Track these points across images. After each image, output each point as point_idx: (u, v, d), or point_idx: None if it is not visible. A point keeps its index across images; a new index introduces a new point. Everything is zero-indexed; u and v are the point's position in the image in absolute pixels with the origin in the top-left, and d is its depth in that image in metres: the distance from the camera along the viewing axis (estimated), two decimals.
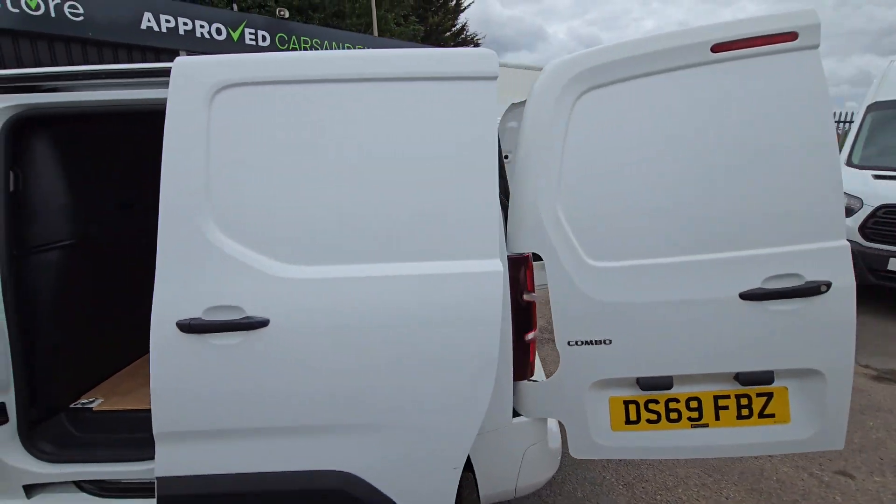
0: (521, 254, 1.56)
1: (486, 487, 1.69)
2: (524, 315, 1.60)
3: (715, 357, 1.51)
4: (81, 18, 7.68)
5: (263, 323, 1.33)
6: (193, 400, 1.36)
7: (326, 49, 10.41)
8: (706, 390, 1.57)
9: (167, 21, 8.37)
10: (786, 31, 1.44)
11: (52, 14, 7.46)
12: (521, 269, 1.56)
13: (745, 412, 1.56)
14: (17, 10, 7.23)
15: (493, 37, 66.02)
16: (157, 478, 1.40)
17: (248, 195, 1.37)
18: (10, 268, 1.66)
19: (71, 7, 7.58)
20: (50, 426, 1.86)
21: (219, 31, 8.91)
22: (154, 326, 1.33)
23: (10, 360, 1.69)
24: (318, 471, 1.40)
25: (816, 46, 1.45)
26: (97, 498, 1.80)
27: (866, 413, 3.03)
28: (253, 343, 1.34)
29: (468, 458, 1.64)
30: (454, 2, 26.17)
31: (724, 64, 1.47)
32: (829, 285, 1.44)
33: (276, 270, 1.35)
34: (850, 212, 4.81)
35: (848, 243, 1.44)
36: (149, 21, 8.21)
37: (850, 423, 2.58)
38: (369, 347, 1.35)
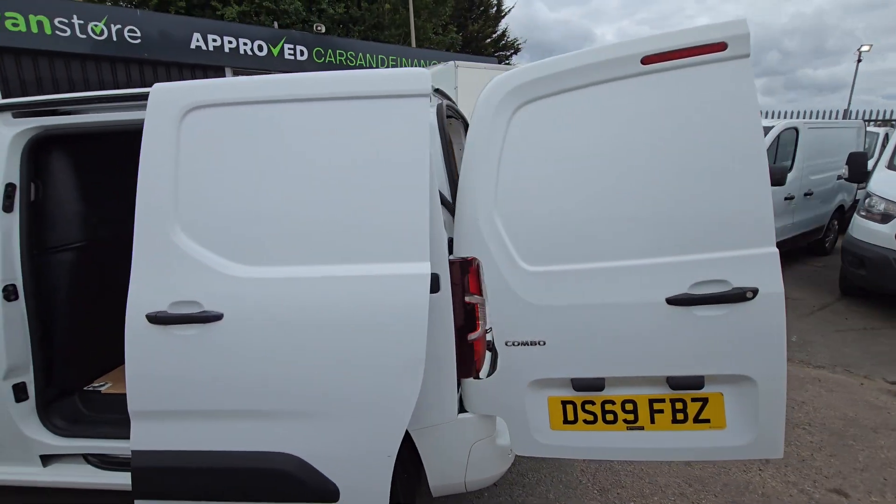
0: (465, 258, 1.65)
1: (434, 479, 1.78)
2: (468, 316, 1.68)
3: (645, 360, 1.54)
4: (139, 41, 8.44)
5: (218, 317, 1.51)
6: (160, 383, 1.56)
7: (364, 61, 10.83)
8: (641, 393, 1.59)
9: (214, 40, 9.02)
10: (715, 41, 1.46)
11: (114, 38, 8.26)
12: (464, 272, 1.65)
13: (679, 416, 1.57)
14: (84, 36, 8.06)
15: (538, 41, 65.52)
16: (133, 451, 1.60)
17: (209, 203, 1.55)
18: (31, 266, 1.94)
19: (130, 31, 8.35)
20: (64, 405, 2.13)
21: (260, 48, 9.50)
22: (128, 318, 1.54)
23: (30, 345, 1.97)
24: (269, 452, 1.56)
25: (747, 56, 1.46)
26: (100, 470, 2.04)
27: (880, 431, 2.86)
28: (209, 334, 1.51)
29: (417, 451, 1.75)
30: (494, 8, 26.29)
31: (655, 75, 1.51)
32: (755, 292, 1.44)
33: (230, 270, 1.52)
34: (888, 218, 4.51)
35: (777, 250, 1.44)
36: (197, 41, 8.89)
37: (860, 441, 2.47)
38: (308, 341, 1.50)
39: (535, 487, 2.43)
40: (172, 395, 1.56)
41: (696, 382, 1.52)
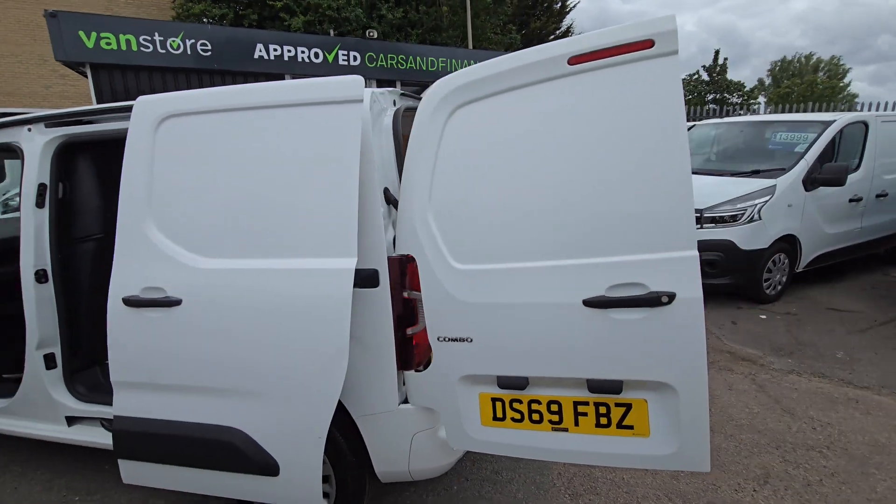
0: (404, 255, 1.73)
1: (379, 465, 1.88)
2: (409, 311, 1.76)
3: (564, 362, 1.52)
4: (209, 53, 9.27)
5: (177, 302, 1.70)
6: (134, 358, 1.79)
7: (414, 63, 11.10)
8: (566, 395, 1.58)
9: (274, 50, 9.69)
10: (642, 38, 1.43)
11: (188, 52, 9.13)
12: (403, 269, 1.73)
13: (603, 420, 1.54)
14: (164, 51, 8.99)
15: None
16: (114, 416, 1.85)
17: (176, 200, 1.75)
18: (58, 254, 2.27)
19: (202, 45, 9.19)
20: (86, 375, 2.47)
21: (316, 55, 10.06)
22: (109, 300, 1.78)
23: (57, 322, 2.31)
24: (218, 425, 1.73)
25: (675, 53, 1.41)
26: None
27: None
28: (170, 317, 1.72)
29: (362, 437, 1.86)
30: (559, 4, 25.69)
31: (581, 76, 1.49)
32: (672, 297, 1.38)
33: (190, 261, 1.72)
34: None
35: (697, 254, 1.37)
36: (260, 51, 9.59)
37: (883, 470, 2.25)
38: (249, 327, 1.65)
39: (506, 485, 2.44)
40: (142, 370, 1.78)
41: (615, 387, 1.48)
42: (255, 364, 1.66)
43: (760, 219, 4.58)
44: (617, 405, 1.53)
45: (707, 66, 29.34)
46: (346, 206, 1.58)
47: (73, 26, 8.19)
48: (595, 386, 1.50)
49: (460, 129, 1.63)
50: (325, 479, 1.94)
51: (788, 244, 4.86)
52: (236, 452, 1.71)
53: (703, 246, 4.58)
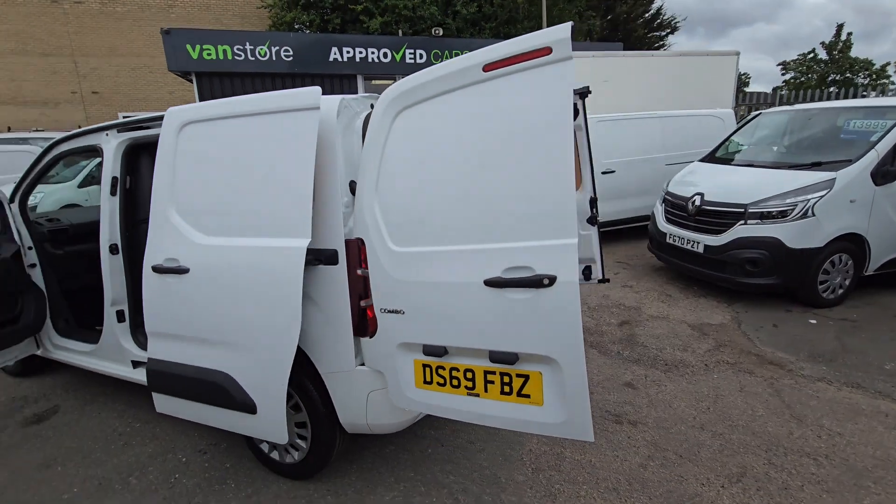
0: (357, 238, 2.02)
1: (343, 417, 2.20)
2: (362, 285, 2.05)
3: (471, 334, 1.72)
4: (291, 58, 10.25)
5: (186, 270, 2.16)
6: (159, 314, 2.29)
7: None
8: (478, 364, 1.78)
9: (347, 52, 10.44)
10: (541, 46, 1.57)
11: (274, 58, 10.17)
12: (355, 250, 2.02)
13: (506, 389, 1.72)
14: (253, 59, 10.12)
15: (718, 13, 57.46)
16: (148, 358, 2.37)
17: (188, 188, 2.21)
18: (125, 232, 2.89)
19: (285, 51, 10.19)
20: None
21: (385, 55, 10.66)
22: (144, 268, 2.29)
23: (125, 284, 2.93)
24: (214, 370, 2.17)
25: (569, 59, 1.54)
26: None
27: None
28: (181, 282, 2.18)
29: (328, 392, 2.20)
30: None
31: (492, 82, 1.67)
32: (552, 279, 1.52)
33: (196, 238, 2.16)
34: None
35: (575, 242, 1.49)
36: (335, 54, 10.39)
37: (881, 484, 2.22)
38: (232, 292, 2.06)
39: (476, 454, 2.65)
40: (165, 323, 2.28)
41: (511, 359, 1.66)
42: (236, 322, 2.07)
43: (814, 215, 4.22)
44: (518, 375, 1.70)
45: (827, 42, 25.75)
46: (303, 195, 1.91)
47: (181, 40, 9.53)
48: (495, 357, 1.69)
49: (402, 130, 1.89)
50: (303, 426, 2.32)
51: (853, 244, 4.40)
52: (227, 392, 2.14)
53: (745, 243, 4.43)
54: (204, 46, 9.54)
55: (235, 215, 2.08)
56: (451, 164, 1.75)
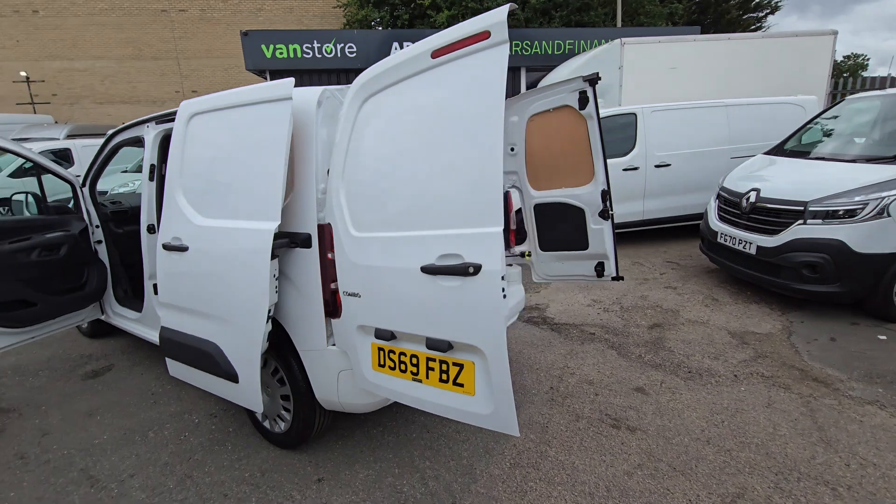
0: (326, 223, 2.10)
1: (318, 393, 2.31)
2: (333, 268, 2.14)
3: (411, 319, 1.73)
4: (355, 55, 10.67)
5: (186, 248, 2.38)
6: (168, 287, 2.54)
7: (539, 48, 10.97)
8: (422, 350, 1.78)
9: (408, 46, 10.65)
10: (481, 30, 1.54)
11: (339, 55, 10.65)
12: (326, 235, 2.11)
13: (444, 377, 1.71)
14: (320, 56, 10.66)
15: None
16: (161, 326, 2.65)
17: (190, 172, 2.42)
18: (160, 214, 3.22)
19: (349, 48, 10.62)
20: None
21: None
22: (157, 245, 2.55)
23: None
24: (207, 339, 2.37)
25: (505, 42, 1.49)
26: None
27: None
28: (182, 259, 2.40)
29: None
30: None
31: (440, 68, 1.66)
32: (478, 268, 1.48)
33: (195, 219, 2.37)
34: None
35: (499, 230, 1.44)
36: (395, 49, 10.65)
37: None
38: (217, 269, 2.23)
39: (459, 444, 2.65)
40: (171, 295, 2.53)
41: (443, 346, 1.64)
42: (221, 297, 2.25)
43: (889, 216, 3.66)
44: (454, 364, 1.68)
45: None
46: (274, 180, 2.03)
47: (257, 41, 10.28)
48: (430, 343, 1.69)
49: (366, 118, 1.93)
50: (288, 399, 2.46)
51: None
52: (216, 361, 2.34)
53: (803, 245, 3.98)
54: (276, 46, 10.24)
55: (223, 198, 2.26)
56: (402, 151, 1.77)
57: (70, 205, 3.79)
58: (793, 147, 5.19)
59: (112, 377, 3.60)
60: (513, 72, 10.81)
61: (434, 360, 1.76)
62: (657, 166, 6.27)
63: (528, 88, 10.95)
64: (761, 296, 4.62)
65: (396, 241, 1.77)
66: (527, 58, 10.96)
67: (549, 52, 10.98)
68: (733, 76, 8.11)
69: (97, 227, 3.82)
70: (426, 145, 1.68)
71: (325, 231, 2.10)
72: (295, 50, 10.33)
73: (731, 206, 4.74)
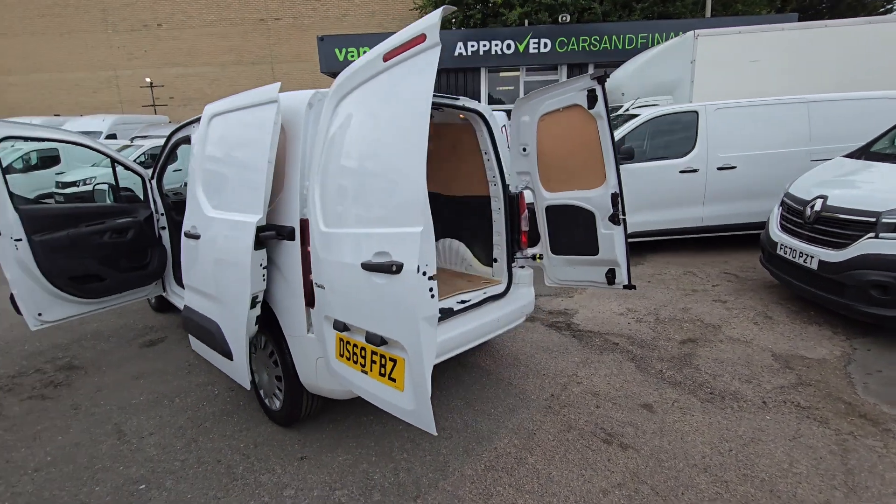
0: (306, 218, 2.24)
1: (301, 377, 2.47)
2: (309, 260, 2.27)
3: (356, 313, 1.79)
4: None
5: (199, 236, 2.65)
6: (187, 270, 2.84)
7: (608, 43, 10.46)
8: (368, 343, 1.84)
9: (472, 46, 10.68)
10: (418, 34, 1.57)
11: None
12: (305, 229, 2.24)
13: (382, 370, 1.75)
14: None
15: None
16: (184, 305, 2.97)
17: (206, 167, 2.69)
18: None
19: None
20: None
21: (509, 47, 10.60)
22: (182, 233, 2.87)
23: None
24: (211, 318, 2.63)
25: (436, 45, 1.50)
26: None
27: None
28: (197, 246, 2.68)
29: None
30: None
31: (391, 70, 1.71)
32: (400, 266, 1.50)
33: (207, 211, 2.63)
34: None
35: (418, 231, 1.45)
36: (460, 49, 10.73)
37: None
38: (217, 256, 2.46)
39: (442, 441, 2.67)
40: (190, 277, 2.83)
41: (377, 340, 1.68)
42: (219, 280, 2.48)
43: None
44: (389, 359, 1.72)
45: None
46: (259, 176, 2.20)
47: (331, 46, 10.91)
48: (367, 337, 1.74)
49: (338, 118, 2.04)
50: (280, 379, 2.65)
51: None
52: (216, 339, 2.58)
53: (873, 261, 3.52)
54: (348, 49, 10.79)
55: (224, 192, 2.49)
56: (356, 151, 1.85)
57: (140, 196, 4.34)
58: (881, 149, 4.51)
59: (163, 347, 4.08)
60: (580, 68, 10.43)
61: (376, 353, 1.81)
62: (720, 168, 5.75)
63: None
64: (825, 317, 4.10)
65: (348, 237, 1.85)
66: (595, 53, 10.50)
67: (620, 47, 10.43)
68: (829, 69, 7.18)
69: (161, 215, 4.33)
70: (372, 145, 1.75)
71: (305, 225, 2.24)
72: (364, 52, 10.78)
73: (794, 214, 4.25)
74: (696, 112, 5.78)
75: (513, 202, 3.24)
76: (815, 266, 3.87)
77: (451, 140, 3.58)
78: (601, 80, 2.72)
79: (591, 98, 2.74)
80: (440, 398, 3.10)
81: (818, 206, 3.96)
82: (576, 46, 10.51)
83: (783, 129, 5.72)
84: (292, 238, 2.27)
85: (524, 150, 3.21)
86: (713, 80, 7.37)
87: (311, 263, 2.23)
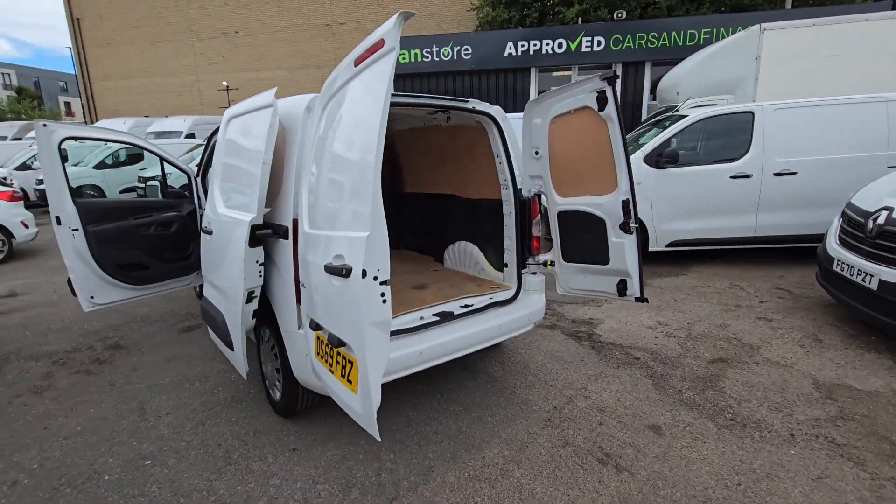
0: (297, 218, 2.31)
1: (294, 370, 2.54)
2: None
3: (323, 314, 1.82)
4: (469, 56, 10.90)
5: (212, 232, 2.81)
6: (203, 264, 3.02)
7: (667, 40, 9.87)
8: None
9: (522, 46, 10.51)
10: (378, 39, 1.57)
11: (454, 57, 11.00)
12: (296, 228, 2.31)
13: (342, 371, 1.77)
14: (438, 59, 11.14)
15: None
16: (203, 296, 3.16)
17: (222, 168, 2.85)
18: None
19: (465, 50, 10.89)
20: None
21: (560, 46, 10.32)
22: (201, 230, 3.06)
23: None
24: (218, 309, 2.78)
25: (393, 49, 1.49)
26: None
27: None
28: (210, 241, 2.84)
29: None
30: None
31: (360, 75, 1.73)
32: (349, 270, 1.50)
33: (219, 208, 2.78)
34: None
35: (364, 236, 1.44)
36: (509, 49, 10.60)
37: None
38: (223, 250, 2.60)
39: (430, 445, 2.67)
40: (205, 271, 3.01)
41: (335, 341, 1.69)
42: (223, 274, 2.62)
43: None
44: (348, 360, 1.73)
45: None
46: (255, 178, 2.30)
47: None
48: (328, 338, 1.76)
49: (324, 121, 2.08)
50: (279, 372, 2.76)
51: None
52: (221, 329, 2.73)
53: None
54: (400, 52, 11.00)
55: (230, 192, 2.63)
56: (330, 153, 1.88)
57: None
58: None
59: (197, 334, 4.37)
60: (636, 66, 9.93)
61: (340, 354, 1.84)
62: (777, 174, 5.27)
63: (653, 87, 9.97)
64: (887, 344, 3.64)
65: (320, 238, 1.89)
66: (652, 51, 9.95)
67: (680, 44, 9.79)
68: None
69: (204, 210, 4.66)
70: (339, 147, 1.78)
71: (297, 225, 2.31)
72: (416, 54, 11.00)
73: (855, 227, 3.81)
74: (752, 113, 5.34)
75: (524, 206, 3.15)
76: (874, 286, 3.44)
77: (467, 143, 3.55)
78: (611, 81, 2.58)
79: (601, 100, 2.61)
80: (439, 401, 3.09)
81: (882, 218, 3.52)
82: (631, 44, 10.02)
83: (857, 131, 5.14)
84: (286, 237, 2.35)
85: (536, 153, 3.12)
86: (780, 78, 6.76)
87: (298, 262, 2.31)
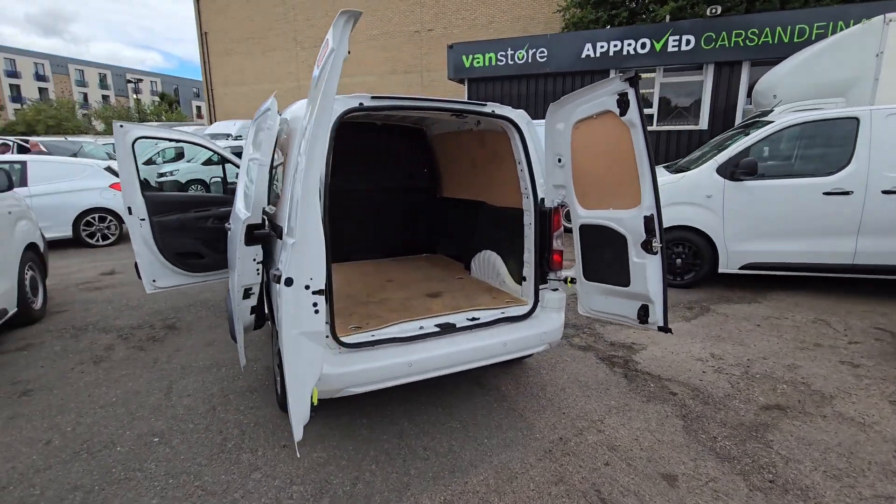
0: None
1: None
2: None
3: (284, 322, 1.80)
4: (545, 59, 10.54)
5: (230, 228, 2.96)
6: (229, 259, 3.20)
7: (768, 36, 8.72)
8: None
9: (601, 47, 9.94)
10: (326, 41, 1.51)
11: (530, 60, 10.71)
12: None
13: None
14: (512, 63, 10.92)
15: None
16: (228, 289, 3.34)
17: (243, 169, 2.98)
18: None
19: (540, 53, 10.56)
20: None
21: (643, 45, 9.59)
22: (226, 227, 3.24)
23: None
24: (230, 301, 2.91)
25: (335, 50, 1.43)
26: None
27: None
28: (230, 236, 3.00)
29: None
30: None
31: (321, 75, 1.68)
32: (278, 278, 1.45)
33: (239, 204, 2.92)
34: None
35: (291, 243, 1.37)
36: (588, 50, 10.08)
37: None
38: (233, 247, 2.71)
39: (414, 462, 2.56)
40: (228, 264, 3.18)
41: (278, 350, 1.66)
42: (231, 267, 2.74)
43: None
44: None
45: None
46: (253, 177, 2.37)
47: (458, 53, 11.21)
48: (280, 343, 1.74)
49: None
50: (280, 367, 2.83)
51: None
52: (229, 320, 2.86)
53: None
54: (474, 56, 10.96)
55: (244, 190, 2.74)
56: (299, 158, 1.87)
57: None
58: None
59: None
60: (731, 67, 8.89)
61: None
62: (886, 192, 4.42)
63: (749, 90, 8.90)
64: None
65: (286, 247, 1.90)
66: (751, 49, 8.83)
67: (786, 41, 8.57)
68: None
69: None
70: (307, 155, 1.75)
71: None
72: (490, 58, 10.88)
73: None
74: (857, 119, 4.53)
75: (544, 217, 2.94)
76: None
77: (493, 148, 3.40)
78: (633, 82, 2.30)
79: (623, 103, 2.34)
80: (439, 416, 2.97)
81: None
82: (726, 42, 8.98)
83: None
84: (282, 237, 2.39)
85: (559, 160, 2.89)
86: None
87: None
